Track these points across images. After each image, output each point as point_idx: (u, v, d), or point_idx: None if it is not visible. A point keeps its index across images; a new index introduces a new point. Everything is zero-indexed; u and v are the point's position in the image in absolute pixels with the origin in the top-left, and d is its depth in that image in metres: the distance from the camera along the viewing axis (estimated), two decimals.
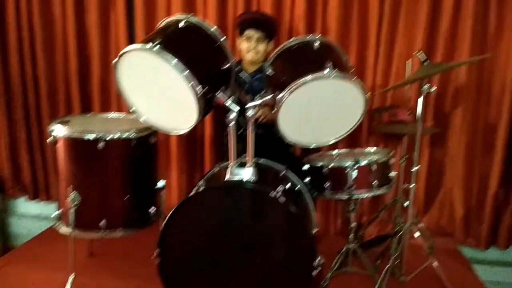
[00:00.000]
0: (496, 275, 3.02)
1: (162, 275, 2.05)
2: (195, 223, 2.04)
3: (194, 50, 1.99)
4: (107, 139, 2.21)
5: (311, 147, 2.21)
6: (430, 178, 3.13)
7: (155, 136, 2.42)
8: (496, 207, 3.01)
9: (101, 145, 2.19)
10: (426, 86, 2.20)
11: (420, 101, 2.25)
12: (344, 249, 2.48)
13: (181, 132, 2.03)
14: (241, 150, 2.17)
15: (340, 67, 1.94)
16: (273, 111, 1.97)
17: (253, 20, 2.60)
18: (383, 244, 2.87)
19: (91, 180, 2.30)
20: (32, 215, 3.66)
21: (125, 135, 2.26)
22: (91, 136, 2.20)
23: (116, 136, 2.24)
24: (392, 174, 2.42)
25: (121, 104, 3.25)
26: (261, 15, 2.72)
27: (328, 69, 1.84)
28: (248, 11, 2.92)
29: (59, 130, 2.26)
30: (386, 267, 2.41)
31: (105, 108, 3.30)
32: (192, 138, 3.26)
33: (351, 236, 2.45)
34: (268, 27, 2.60)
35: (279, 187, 1.98)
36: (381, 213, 3.02)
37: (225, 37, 2.01)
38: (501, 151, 2.91)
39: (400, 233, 2.47)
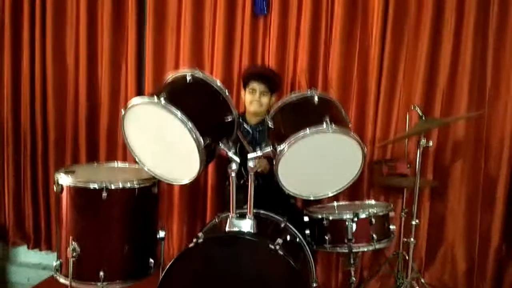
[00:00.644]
0: None
1: None
2: (194, 274, 2.04)
3: (199, 103, 2.06)
4: (111, 188, 2.25)
5: (310, 199, 2.24)
6: (431, 232, 3.11)
7: (158, 186, 2.46)
8: (499, 261, 2.98)
9: (104, 194, 2.22)
10: (423, 141, 2.25)
11: (419, 155, 2.29)
12: None
13: (184, 182, 2.06)
14: (242, 200, 2.20)
15: (339, 121, 2.00)
16: (272, 163, 2.01)
17: (258, 74, 2.70)
18: None
19: (92, 230, 2.32)
20: (32, 264, 3.64)
21: (128, 185, 2.30)
22: (95, 186, 2.24)
23: (119, 185, 2.28)
24: (392, 227, 2.42)
25: (127, 154, 3.31)
26: (265, 70, 2.83)
27: (326, 123, 1.89)
28: (253, 65, 3.03)
29: (64, 179, 2.31)
30: None
31: (111, 156, 3.36)
32: (194, 188, 3.29)
33: None
34: (271, 81, 2.70)
35: (278, 239, 1.99)
36: (382, 267, 2.99)
37: (228, 90, 2.09)
38: (502, 204, 2.92)
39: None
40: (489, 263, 2.98)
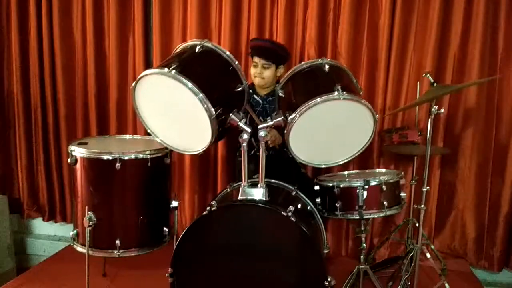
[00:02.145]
0: None
1: None
2: (208, 242, 2.08)
3: (209, 74, 2.07)
4: (124, 159, 2.28)
5: (322, 167, 2.26)
6: (441, 199, 3.13)
7: (170, 157, 2.49)
8: (509, 228, 3.00)
9: (118, 165, 2.25)
10: (434, 108, 2.24)
11: (430, 122, 2.28)
12: (355, 270, 2.48)
13: (196, 152, 2.08)
14: (253, 171, 2.23)
15: (350, 89, 2.00)
16: (284, 132, 2.02)
17: (259, 48, 2.66)
18: (395, 265, 2.87)
19: (107, 200, 2.37)
20: (47, 236, 3.73)
21: (141, 155, 2.33)
22: (109, 157, 2.28)
23: (132, 156, 2.31)
24: (403, 194, 2.44)
25: (137, 126, 3.34)
26: (267, 43, 2.76)
27: (338, 91, 1.89)
28: (256, 38, 2.98)
29: (78, 151, 2.34)
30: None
31: (122, 130, 3.39)
32: (205, 159, 3.32)
33: (362, 257, 2.45)
34: (273, 54, 2.64)
35: (290, 206, 2.02)
36: (392, 234, 3.03)
37: (237, 62, 2.09)
38: None
39: (411, 255, 2.48)
40: (499, 230, 3.00)
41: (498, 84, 2.93)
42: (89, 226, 2.26)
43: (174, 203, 2.51)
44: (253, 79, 2.68)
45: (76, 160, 2.35)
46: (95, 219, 2.28)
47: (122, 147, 2.52)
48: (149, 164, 2.35)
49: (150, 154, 2.35)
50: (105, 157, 2.28)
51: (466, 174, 3.06)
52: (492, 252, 3.04)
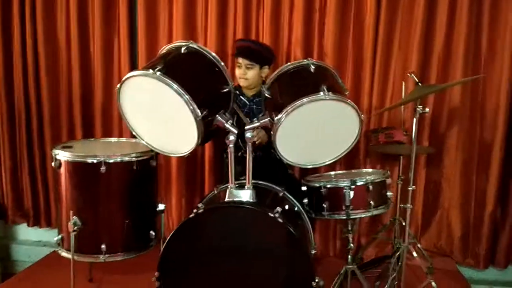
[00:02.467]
0: None
1: None
2: (195, 245, 2.06)
3: (195, 75, 2.06)
4: (109, 162, 2.25)
5: (308, 167, 2.26)
6: (427, 198, 3.16)
7: (156, 159, 2.47)
8: (494, 225, 3.04)
9: (103, 168, 2.23)
10: (419, 108, 2.25)
11: (415, 122, 2.30)
12: (343, 271, 2.48)
13: (182, 154, 2.06)
14: (240, 172, 2.21)
15: (336, 89, 2.00)
16: (270, 133, 2.02)
17: (242, 48, 2.65)
18: (382, 265, 2.89)
19: (92, 204, 2.34)
20: (32, 241, 3.67)
21: (126, 158, 2.31)
22: (94, 160, 2.25)
23: (118, 159, 2.28)
24: (389, 194, 2.45)
25: (122, 129, 3.31)
26: (250, 43, 2.74)
27: (324, 91, 1.89)
28: (240, 39, 2.95)
29: (62, 154, 2.31)
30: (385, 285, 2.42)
31: (107, 133, 3.35)
32: (192, 161, 3.30)
33: (350, 257, 2.46)
34: (257, 55, 2.62)
35: (278, 207, 2.01)
36: (379, 233, 3.04)
37: (223, 63, 2.08)
38: (497, 169, 2.96)
39: (398, 254, 2.49)
40: (484, 228, 3.03)
41: (482, 83, 2.96)
42: (73, 231, 2.23)
43: (161, 206, 2.49)
44: (238, 80, 2.67)
45: (60, 164, 2.31)
46: (80, 224, 2.25)
47: (107, 150, 2.49)
48: (134, 167, 2.33)
49: (135, 157, 2.33)
50: (89, 161, 2.25)
51: (451, 173, 3.09)
52: (478, 250, 3.07)
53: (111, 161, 2.26)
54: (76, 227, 2.24)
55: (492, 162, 2.97)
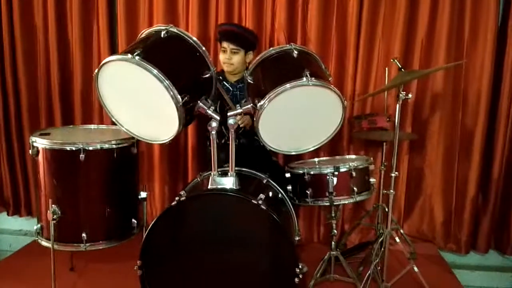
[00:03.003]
0: (476, 280, 3.06)
1: (144, 286, 2.04)
2: (177, 233, 2.05)
3: (175, 60, 2.01)
4: (88, 149, 2.20)
5: (291, 153, 2.24)
6: (410, 184, 3.18)
7: (137, 147, 2.43)
8: (475, 211, 3.07)
9: (82, 156, 2.18)
10: (402, 94, 2.24)
11: (398, 108, 2.30)
12: (326, 257, 2.49)
13: (163, 141, 2.03)
14: (224, 159, 2.19)
15: (319, 75, 1.98)
16: (254, 119, 1.99)
17: (227, 32, 2.61)
18: (365, 250, 2.91)
19: (72, 192, 2.30)
20: (13, 230, 3.60)
21: (106, 146, 2.26)
22: (72, 147, 2.20)
23: (97, 146, 2.24)
24: (372, 180, 2.46)
25: (103, 116, 3.24)
26: (236, 28, 2.72)
27: (306, 77, 1.87)
28: (224, 23, 2.91)
29: (40, 142, 2.25)
30: (368, 273, 2.43)
31: (87, 120, 3.28)
32: (175, 148, 3.26)
33: (334, 243, 2.47)
34: (242, 39, 2.59)
35: (261, 195, 1.99)
36: (362, 219, 3.06)
37: (204, 48, 2.04)
38: (478, 155, 2.98)
39: (381, 239, 2.50)
40: (466, 213, 3.06)
41: (464, 69, 2.96)
42: (53, 219, 2.18)
43: (143, 194, 2.45)
44: (222, 65, 2.63)
45: (38, 152, 2.26)
46: (59, 213, 2.20)
47: (87, 137, 2.44)
48: (115, 154, 2.29)
49: (115, 144, 2.29)
50: (68, 148, 2.21)
51: (433, 159, 3.11)
52: (460, 235, 3.10)
53: (91, 148, 2.22)
54: (55, 216, 2.19)
55: (474, 149, 2.99)
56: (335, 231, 2.43)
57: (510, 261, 3.11)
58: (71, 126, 2.96)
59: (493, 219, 3.08)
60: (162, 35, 1.98)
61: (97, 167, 2.28)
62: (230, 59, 2.58)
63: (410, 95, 2.27)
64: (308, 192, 2.35)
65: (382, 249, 2.48)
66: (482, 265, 3.16)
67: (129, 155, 2.39)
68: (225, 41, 2.57)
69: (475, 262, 3.17)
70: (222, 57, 2.61)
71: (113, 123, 2.11)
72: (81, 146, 2.19)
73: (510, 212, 3.04)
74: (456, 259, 3.16)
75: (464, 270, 3.08)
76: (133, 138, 2.23)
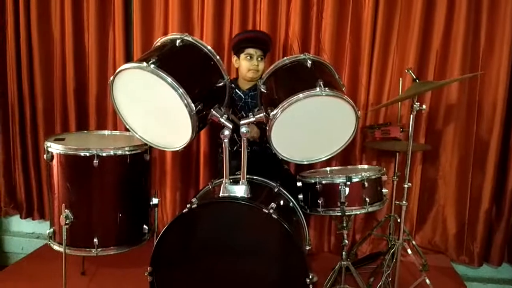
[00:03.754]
0: None
1: None
2: (188, 240, 2.05)
3: (189, 68, 2.03)
4: (102, 155, 2.22)
5: (304, 163, 2.23)
6: (422, 195, 3.15)
7: (150, 153, 2.44)
8: (489, 223, 3.03)
9: (96, 162, 2.20)
10: (416, 104, 2.23)
11: (412, 118, 2.28)
12: (337, 267, 2.47)
13: (176, 148, 2.04)
14: (236, 167, 2.20)
15: (333, 85, 1.98)
16: (265, 128, 2.00)
17: (254, 39, 2.64)
18: (376, 261, 2.88)
19: (84, 197, 2.32)
20: (25, 233, 3.65)
21: (120, 152, 2.28)
22: (86, 153, 2.22)
23: (111, 152, 2.26)
24: (385, 191, 2.44)
25: (116, 122, 3.27)
26: (260, 34, 2.77)
27: (320, 87, 1.87)
28: (246, 30, 2.95)
29: (54, 147, 2.28)
30: (379, 285, 2.41)
31: (101, 126, 3.31)
32: (187, 156, 3.28)
33: (344, 253, 2.45)
34: (267, 45, 2.66)
35: (272, 203, 1.99)
36: (374, 230, 3.03)
37: (218, 56, 2.06)
38: (493, 167, 2.94)
39: (393, 251, 2.48)
40: (479, 225, 3.02)
41: (479, 80, 2.94)
42: (65, 224, 2.20)
43: (154, 200, 2.47)
44: (245, 73, 2.65)
45: (52, 157, 2.29)
46: (72, 217, 2.23)
47: (101, 143, 2.46)
48: (128, 160, 2.31)
49: (129, 151, 2.31)
50: (82, 154, 2.23)
51: (447, 170, 3.08)
52: (473, 247, 3.06)
53: (104, 154, 2.24)
54: (68, 221, 2.22)
55: (488, 160, 2.95)
56: (346, 241, 2.40)
57: None
58: (85, 131, 2.99)
59: (507, 231, 3.03)
60: (177, 44, 2.00)
61: (110, 173, 2.30)
62: (257, 66, 2.60)
63: (424, 106, 2.26)
64: (320, 202, 2.33)
65: (394, 260, 2.46)
66: (495, 277, 3.12)
67: (142, 161, 2.40)
68: (252, 47, 2.60)
69: (488, 275, 3.13)
70: (247, 64, 2.62)
71: (127, 130, 2.14)
72: (95, 152, 2.21)
73: None
74: (468, 271, 3.12)
75: (477, 282, 3.05)
76: (146, 144, 2.25)
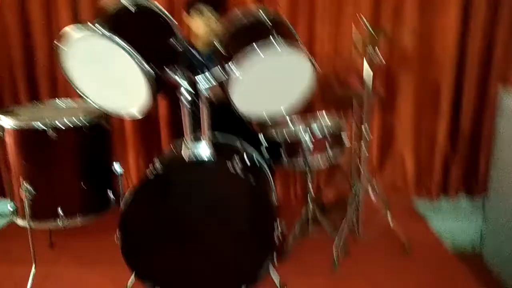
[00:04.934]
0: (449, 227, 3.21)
1: (125, 257, 2.05)
2: (155, 202, 2.04)
3: (142, 30, 1.95)
4: (58, 127, 2.15)
5: (264, 119, 2.24)
6: (382, 141, 3.27)
7: (108, 121, 2.38)
8: (445, 160, 3.20)
9: (51, 133, 2.13)
10: (372, 53, 2.26)
11: (368, 67, 2.31)
12: (304, 216, 2.55)
13: (134, 114, 1.99)
14: (197, 126, 2.17)
15: (289, 38, 1.96)
16: (224, 87, 1.98)
17: None
18: (341, 206, 2.98)
19: (44, 170, 2.26)
20: None
21: (76, 122, 2.21)
22: (41, 125, 2.14)
23: (67, 123, 2.18)
24: (345, 138, 2.49)
25: (69, 90, 3.14)
26: None
27: (276, 40, 1.85)
28: None
29: (6, 121, 2.18)
30: (344, 224, 2.51)
31: (53, 95, 3.18)
32: (146, 119, 3.21)
33: (310, 202, 2.52)
34: (217, 1, 2.58)
35: (236, 159, 2.00)
36: (337, 176, 3.13)
37: (172, 17, 1.99)
38: (447, 106, 3.08)
39: (356, 193, 2.57)
40: (436, 163, 3.19)
41: (431, 25, 3.00)
42: (26, 198, 2.14)
43: (117, 167, 2.43)
44: (197, 31, 2.58)
45: (3, 131, 2.19)
46: (32, 191, 2.16)
47: (55, 114, 2.37)
48: (86, 130, 2.24)
49: (86, 120, 2.23)
50: (36, 126, 2.14)
51: (403, 115, 3.19)
52: (431, 184, 3.25)
53: (60, 125, 2.16)
54: (28, 194, 2.15)
55: (442, 103, 3.08)
56: (312, 189, 2.47)
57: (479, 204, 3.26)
58: (38, 102, 2.87)
59: (462, 165, 3.22)
60: (125, 3, 1.91)
61: (68, 144, 2.24)
62: (208, 23, 2.54)
63: (379, 54, 2.29)
64: (283, 154, 2.37)
65: (357, 203, 2.55)
66: (453, 212, 3.30)
67: (101, 129, 2.35)
68: (203, 4, 2.53)
69: (446, 206, 3.32)
70: (198, 21, 2.56)
71: (81, 97, 2.06)
72: (50, 123, 2.13)
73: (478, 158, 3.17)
74: (428, 206, 3.29)
75: (436, 215, 3.22)
76: (103, 112, 2.18)
